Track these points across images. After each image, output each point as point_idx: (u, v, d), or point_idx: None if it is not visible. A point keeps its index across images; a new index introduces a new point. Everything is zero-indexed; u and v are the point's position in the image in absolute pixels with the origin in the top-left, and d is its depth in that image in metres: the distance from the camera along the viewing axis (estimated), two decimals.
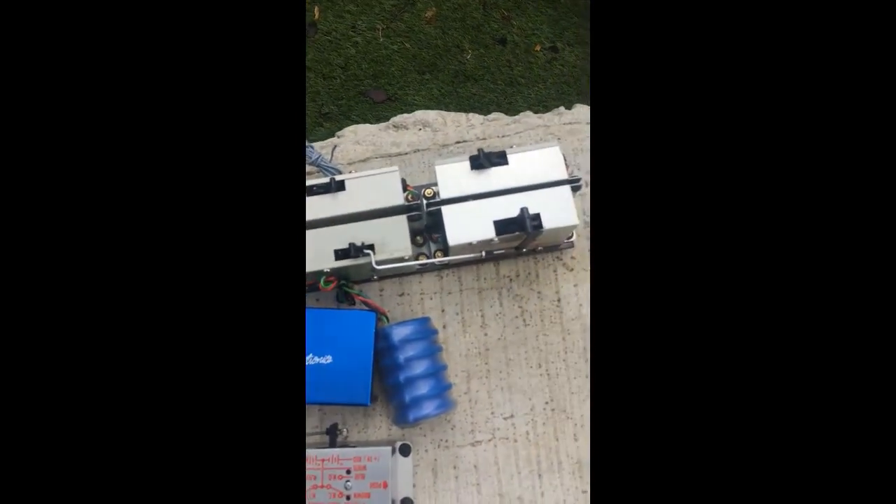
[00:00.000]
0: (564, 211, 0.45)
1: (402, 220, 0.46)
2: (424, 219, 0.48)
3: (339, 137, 0.61)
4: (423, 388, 0.45)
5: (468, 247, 0.46)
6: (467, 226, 0.45)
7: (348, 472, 0.45)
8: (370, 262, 0.45)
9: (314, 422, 0.50)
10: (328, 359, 0.46)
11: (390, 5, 1.49)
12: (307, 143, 0.54)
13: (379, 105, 1.38)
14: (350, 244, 0.45)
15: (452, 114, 0.61)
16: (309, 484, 0.45)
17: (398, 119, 0.61)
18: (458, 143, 0.58)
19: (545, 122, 0.59)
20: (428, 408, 0.45)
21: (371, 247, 0.45)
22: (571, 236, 0.52)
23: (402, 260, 0.46)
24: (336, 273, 0.46)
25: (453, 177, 0.47)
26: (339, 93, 1.40)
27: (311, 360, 0.46)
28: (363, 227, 0.46)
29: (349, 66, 1.43)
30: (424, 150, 0.57)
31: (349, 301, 0.50)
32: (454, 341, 0.52)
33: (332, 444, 0.46)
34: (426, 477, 0.49)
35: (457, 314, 0.53)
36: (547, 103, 1.38)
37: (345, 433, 0.48)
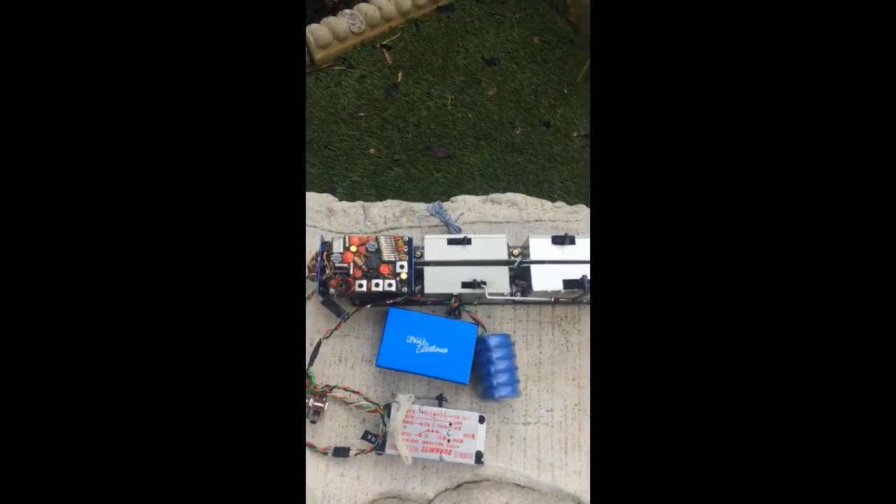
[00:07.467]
0: None
1: (505, 269, 0.72)
2: (515, 270, 0.74)
3: (453, 202, 0.88)
4: (504, 377, 0.70)
5: (544, 293, 0.72)
6: (548, 279, 0.72)
7: (450, 424, 0.69)
8: (484, 293, 0.70)
9: (424, 390, 0.75)
10: (444, 349, 0.72)
11: (460, 80, 1.80)
12: (439, 204, 0.80)
13: (441, 160, 1.66)
14: (473, 279, 0.71)
15: (532, 198, 0.88)
16: (424, 428, 0.69)
17: (494, 196, 0.88)
18: (536, 220, 0.84)
19: None
20: (507, 390, 0.70)
21: (484, 283, 0.71)
22: None
23: (502, 294, 0.71)
24: (458, 297, 0.72)
25: (539, 246, 0.73)
26: (410, 145, 1.68)
27: (433, 348, 0.72)
28: (481, 270, 0.72)
29: (421, 124, 1.72)
30: (514, 223, 0.84)
31: (457, 315, 0.76)
32: (519, 354, 0.77)
33: (440, 406, 0.71)
34: (491, 440, 0.73)
35: (523, 336, 0.78)
36: (576, 181, 1.66)
37: (448, 401, 0.73)
